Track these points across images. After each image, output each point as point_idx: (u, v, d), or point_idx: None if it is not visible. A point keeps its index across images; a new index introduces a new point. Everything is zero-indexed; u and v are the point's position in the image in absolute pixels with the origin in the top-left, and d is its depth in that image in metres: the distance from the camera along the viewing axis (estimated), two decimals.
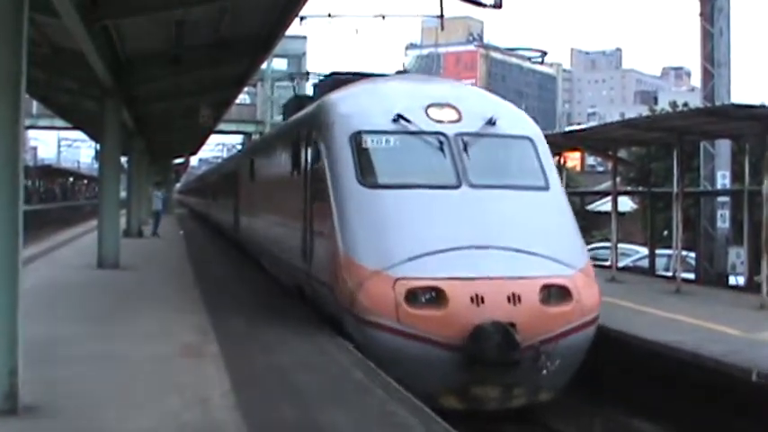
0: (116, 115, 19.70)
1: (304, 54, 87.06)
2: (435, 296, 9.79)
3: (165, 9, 14.95)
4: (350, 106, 12.14)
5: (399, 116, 11.32)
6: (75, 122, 37.84)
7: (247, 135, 72.71)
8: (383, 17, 35.46)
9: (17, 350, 6.95)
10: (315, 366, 9.14)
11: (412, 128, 11.32)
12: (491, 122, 11.63)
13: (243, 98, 64.00)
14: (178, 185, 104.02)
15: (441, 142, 11.21)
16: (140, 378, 8.35)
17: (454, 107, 11.67)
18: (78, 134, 70.05)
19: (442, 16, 27.80)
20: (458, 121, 11.51)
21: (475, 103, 12.21)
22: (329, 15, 35.48)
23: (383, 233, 10.47)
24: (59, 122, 46.53)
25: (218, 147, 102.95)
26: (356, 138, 11.28)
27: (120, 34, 17.02)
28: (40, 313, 11.45)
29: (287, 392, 7.99)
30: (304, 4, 15.78)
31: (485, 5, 23.43)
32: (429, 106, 11.59)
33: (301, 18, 31.04)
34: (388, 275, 9.91)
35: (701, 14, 21.07)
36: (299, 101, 19.20)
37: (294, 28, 20.86)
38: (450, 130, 11.36)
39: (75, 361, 9.02)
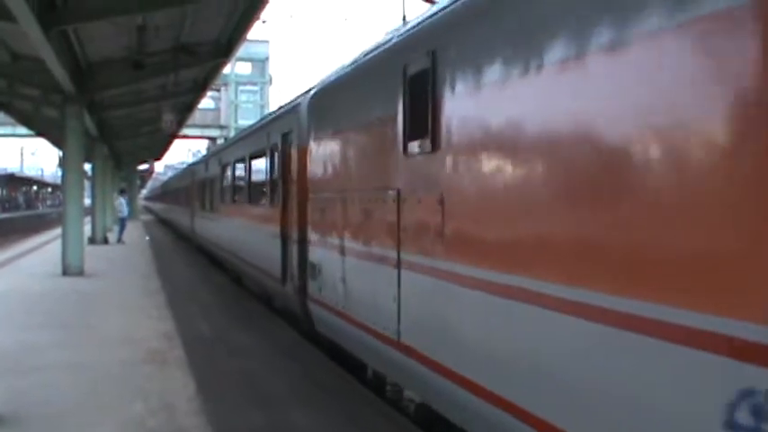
0: (78, 121, 19.56)
1: (267, 58, 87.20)
2: None
3: (124, 14, 14.87)
4: None
5: None
6: (37, 130, 37.48)
7: (212, 140, 72.65)
8: (345, 19, 35.61)
9: None
10: (282, 370, 9.13)
11: None
12: None
13: (207, 103, 63.84)
14: (144, 191, 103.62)
15: None
16: (105, 385, 8.29)
17: None
18: (42, 142, 69.48)
19: (404, 19, 27.94)
20: None
21: None
22: (291, 17, 35.54)
23: None
24: (22, 130, 46.13)
25: (180, 153, 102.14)
26: None
27: (80, 39, 16.92)
28: (3, 322, 11.37)
29: (253, 397, 7.97)
30: (263, 8, 15.84)
31: None
32: None
33: (263, 21, 31.09)
34: None
35: None
36: None
37: (257, 32, 20.88)
38: None
39: (40, 369, 8.96)
